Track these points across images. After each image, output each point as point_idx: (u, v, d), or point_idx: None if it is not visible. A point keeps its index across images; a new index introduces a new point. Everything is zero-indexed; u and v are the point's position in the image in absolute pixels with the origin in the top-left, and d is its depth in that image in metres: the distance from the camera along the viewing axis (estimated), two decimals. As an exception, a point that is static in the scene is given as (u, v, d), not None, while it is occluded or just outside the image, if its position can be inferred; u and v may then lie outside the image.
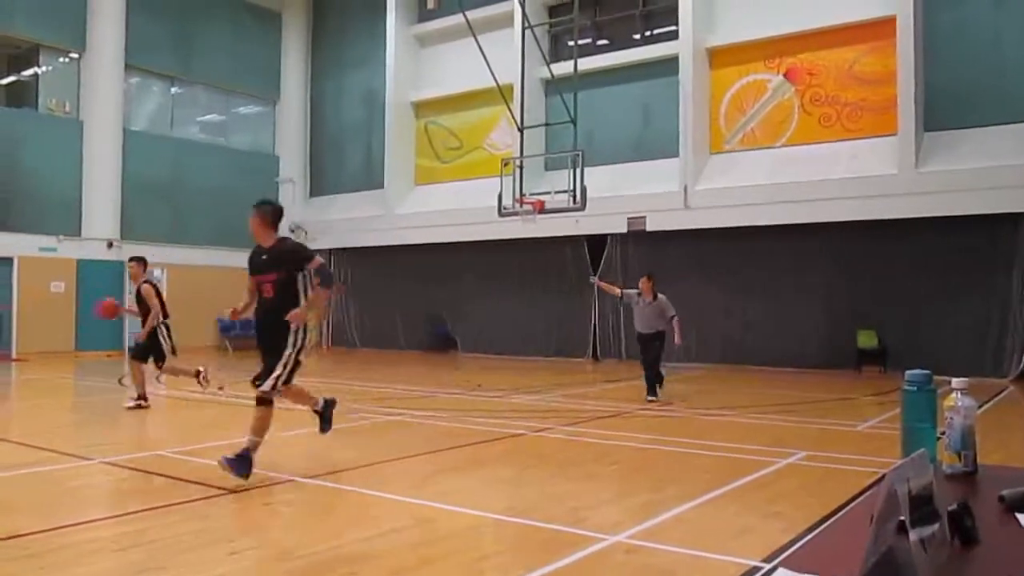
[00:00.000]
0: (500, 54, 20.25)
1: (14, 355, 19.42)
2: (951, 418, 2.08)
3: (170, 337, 10.86)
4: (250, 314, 6.84)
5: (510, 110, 19.45)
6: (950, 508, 1.49)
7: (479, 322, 22.05)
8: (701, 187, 18.08)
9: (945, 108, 16.07)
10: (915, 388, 2.16)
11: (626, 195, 18.76)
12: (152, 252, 21.98)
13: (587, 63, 19.63)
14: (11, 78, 22.40)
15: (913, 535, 1.27)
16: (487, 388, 13.45)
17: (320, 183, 26.15)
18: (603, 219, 18.58)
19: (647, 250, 18.77)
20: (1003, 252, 15.51)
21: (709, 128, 18.75)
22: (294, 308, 6.22)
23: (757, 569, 4.10)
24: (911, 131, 15.85)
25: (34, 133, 20.57)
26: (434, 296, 22.89)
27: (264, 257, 6.48)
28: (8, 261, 19.65)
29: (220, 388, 12.71)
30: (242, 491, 5.77)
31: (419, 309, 23.22)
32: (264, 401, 6.29)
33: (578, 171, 16.48)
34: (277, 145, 25.97)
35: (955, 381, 2.10)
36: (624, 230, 18.79)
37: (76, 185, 20.98)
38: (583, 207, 16.49)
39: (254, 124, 26.13)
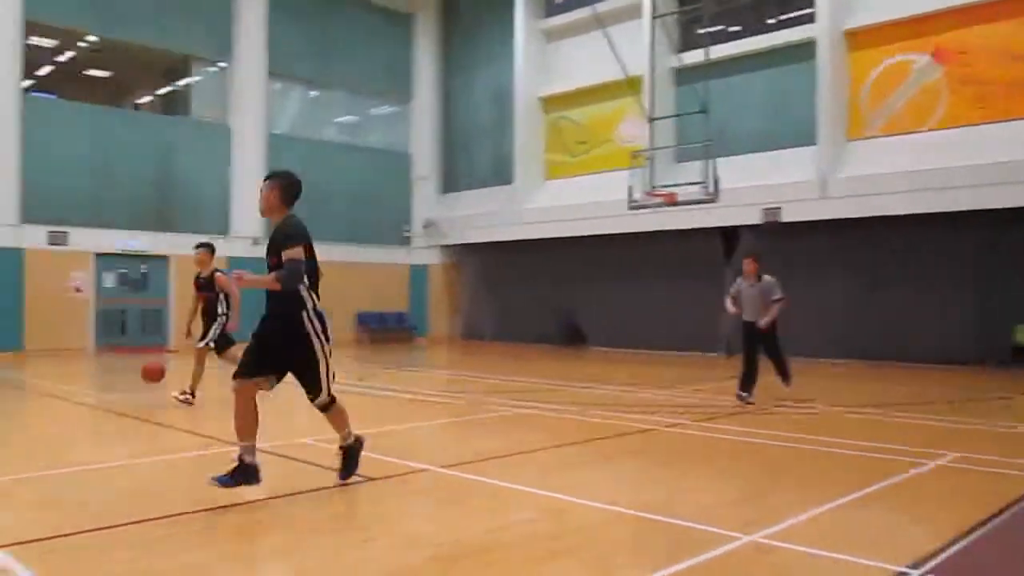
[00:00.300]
0: (628, 45, 20.05)
1: (171, 347, 20.82)
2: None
3: (224, 330, 10.56)
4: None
5: (639, 102, 19.23)
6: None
7: (609, 316, 21.94)
8: (840, 175, 17.31)
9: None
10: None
11: (760, 185, 18.19)
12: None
13: (718, 51, 19.17)
14: (167, 89, 23.94)
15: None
16: (618, 382, 13.37)
17: (452, 180, 26.66)
18: (736, 210, 18.09)
19: (783, 241, 18.14)
20: None
21: (848, 114, 17.92)
22: (296, 306, 5.48)
23: (903, 575, 3.90)
24: (1077, 110, 14.67)
25: (187, 139, 21.91)
26: (564, 290, 22.95)
27: (269, 240, 5.70)
28: (164, 259, 21.05)
29: (360, 379, 13.14)
30: (378, 479, 5.96)
31: (549, 303, 23.32)
32: (328, 407, 5.78)
33: (710, 162, 16.14)
34: (410, 143, 26.64)
35: None
36: (758, 221, 18.23)
37: (225, 187, 22.22)
38: (716, 198, 16.14)
39: (388, 124, 26.89)
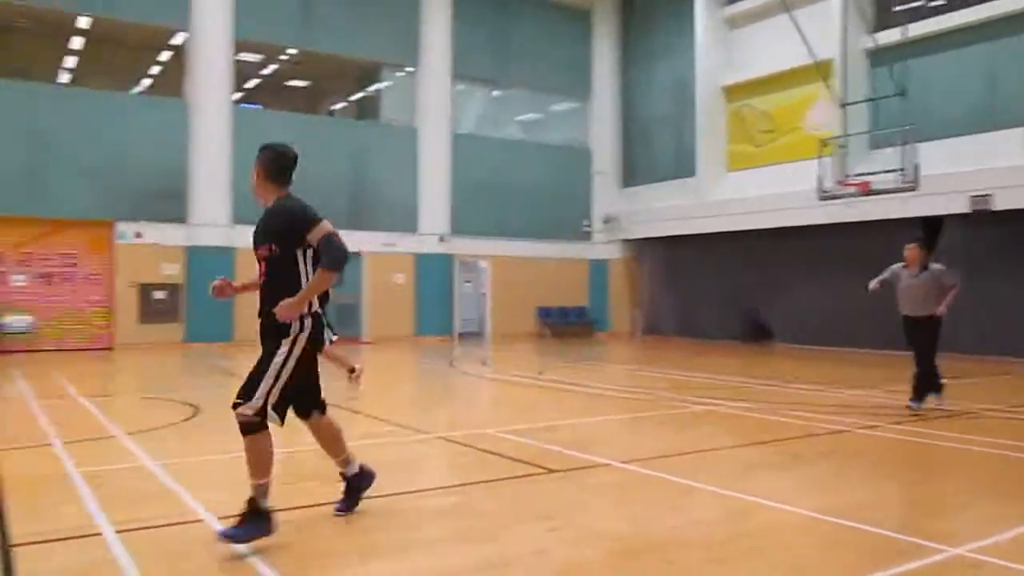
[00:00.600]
0: (817, 28, 19.16)
1: (365, 339, 22.01)
2: None
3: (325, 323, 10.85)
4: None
5: (829, 87, 18.32)
6: None
7: (797, 312, 21.04)
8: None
9: None
10: None
11: (967, 171, 16.80)
12: (478, 246, 23.89)
13: (918, 28, 17.90)
14: (359, 95, 25.27)
15: None
16: (806, 381, 12.82)
17: (632, 174, 26.48)
18: (939, 199, 16.79)
19: (995, 232, 16.69)
20: None
21: (1072, 89, 16.23)
22: (290, 297, 4.45)
23: None
24: None
25: (377, 142, 23.05)
26: (749, 285, 22.24)
27: (258, 224, 4.76)
28: (358, 256, 22.25)
29: (540, 372, 13.32)
30: (559, 472, 6.03)
31: (733, 298, 22.68)
32: (249, 427, 4.34)
33: (909, 147, 15.13)
34: (590, 138, 26.70)
35: None
36: (966, 210, 16.84)
37: (412, 187, 23.18)
38: (915, 186, 15.11)
39: (568, 120, 27.09)
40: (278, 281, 4.54)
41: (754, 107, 22.53)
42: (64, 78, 22.66)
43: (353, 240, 22.67)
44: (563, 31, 25.92)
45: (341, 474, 4.91)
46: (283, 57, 23.12)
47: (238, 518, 4.27)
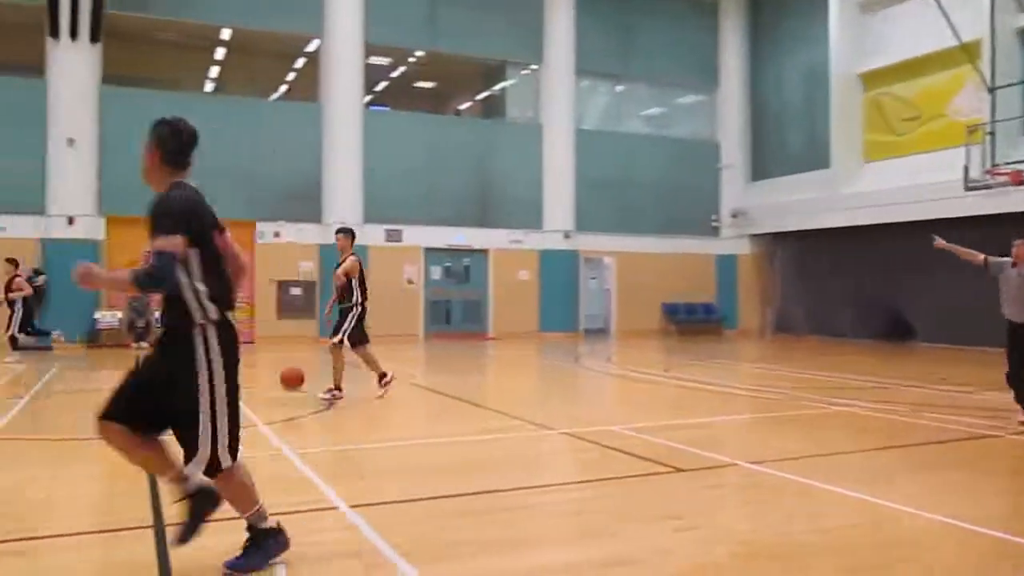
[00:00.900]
0: (961, 9, 18.06)
1: (490, 335, 22.32)
2: None
3: (361, 323, 9.84)
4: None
5: (978, 70, 17.26)
6: None
7: (941, 309, 19.89)
8: None
9: None
10: None
11: None
12: (602, 242, 23.81)
13: (1079, 3, 16.62)
14: (484, 93, 25.61)
15: None
16: (952, 382, 12.14)
17: (761, 167, 25.72)
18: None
19: None
20: None
21: None
22: (181, 319, 3.70)
23: None
24: None
25: (502, 140, 23.29)
26: (886, 281, 21.19)
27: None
28: (484, 253, 22.59)
29: (666, 370, 13.17)
30: (687, 471, 5.94)
31: (871, 295, 21.68)
32: (212, 474, 3.77)
33: (1067, 132, 14.07)
34: (717, 131, 26.12)
35: None
36: None
37: (537, 183, 23.30)
38: (1074, 174, 14.05)
39: (694, 113, 26.59)
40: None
41: (894, 94, 21.44)
42: (209, 87, 23.99)
43: (480, 238, 23.15)
44: (688, 23, 25.45)
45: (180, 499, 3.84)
46: (411, 59, 23.69)
47: (243, 547, 3.88)
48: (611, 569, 3.93)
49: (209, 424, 3.65)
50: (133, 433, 3.66)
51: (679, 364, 15.04)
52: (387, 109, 23.85)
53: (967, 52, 17.57)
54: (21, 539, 4.41)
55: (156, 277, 3.62)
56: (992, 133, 16.56)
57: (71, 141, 18.45)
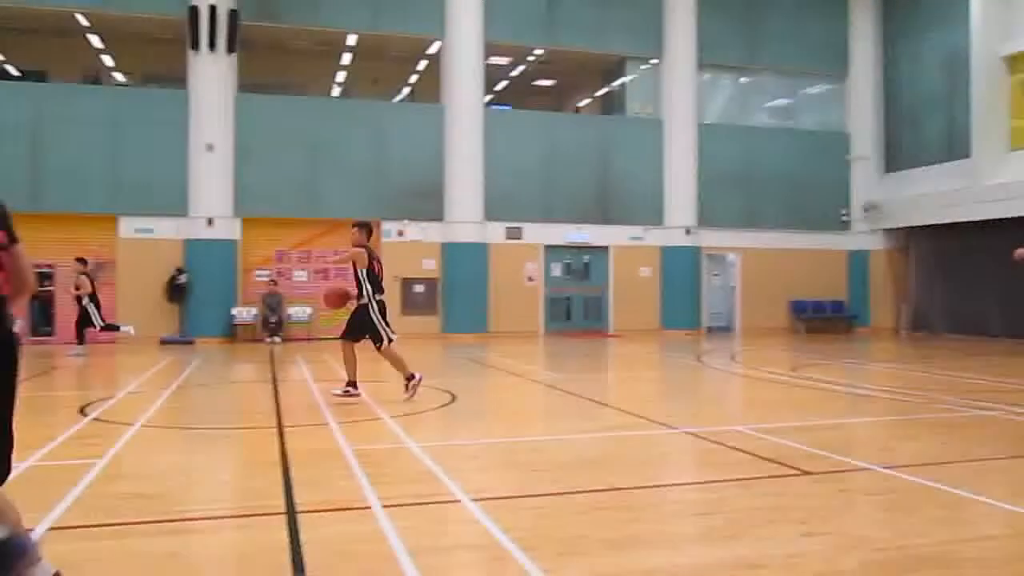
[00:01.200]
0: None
1: (610, 332, 22.21)
2: None
3: (384, 315, 9.35)
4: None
5: None
6: None
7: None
8: None
9: None
10: None
11: None
12: (725, 237, 23.30)
13: None
14: (604, 90, 25.46)
15: None
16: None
17: (895, 158, 24.54)
18: None
19: None
20: None
21: None
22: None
23: None
24: None
25: (622, 136, 23.11)
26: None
27: None
28: (604, 250, 22.49)
29: (793, 369, 12.76)
30: (815, 474, 5.73)
31: (1018, 292, 20.33)
32: None
33: None
34: (847, 122, 25.10)
35: None
36: None
37: (658, 179, 23.01)
38: None
39: (822, 103, 25.66)
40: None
41: (1044, 77, 20.02)
42: (335, 91, 24.83)
43: (599, 234, 23.21)
44: (817, 9, 24.55)
45: None
46: (530, 57, 23.80)
47: None
48: (738, 572, 3.83)
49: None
50: None
51: (807, 363, 14.54)
52: (507, 108, 24.09)
53: None
54: (171, 520, 4.70)
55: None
56: None
57: (210, 147, 19.49)
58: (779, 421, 8.17)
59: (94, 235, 19.24)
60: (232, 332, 19.49)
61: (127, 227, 19.45)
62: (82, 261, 15.98)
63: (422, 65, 23.65)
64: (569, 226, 22.16)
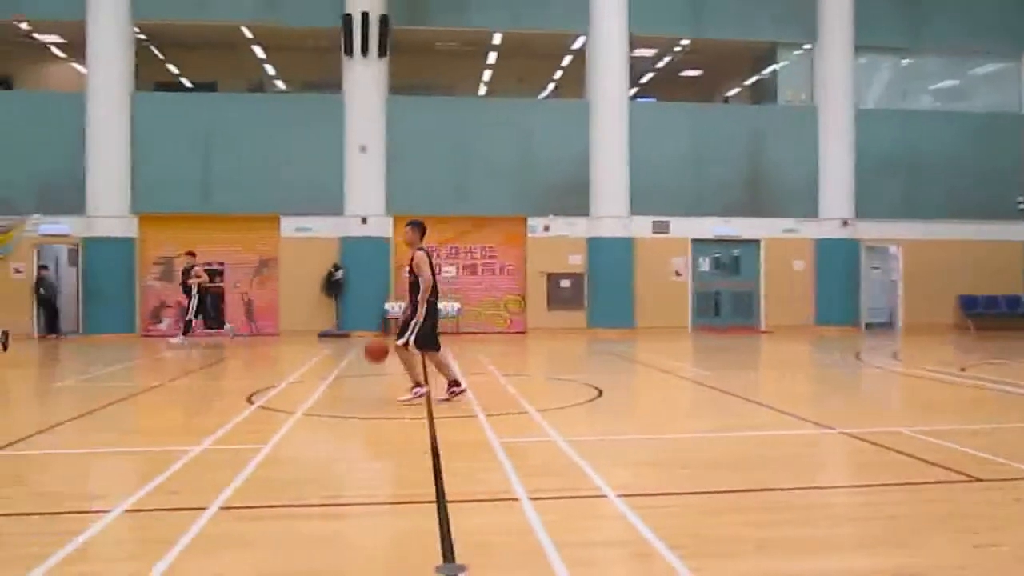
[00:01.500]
0: None
1: (762, 328, 21.54)
2: None
3: (435, 323, 8.90)
4: None
5: None
6: None
7: None
8: None
9: None
10: None
11: None
12: (885, 229, 22.10)
13: None
14: (754, 78, 24.68)
15: None
16: None
17: (1080, 139, 22.54)
18: None
19: None
20: None
21: None
22: None
23: None
24: None
25: (774, 125, 22.30)
26: None
27: None
28: (755, 243, 21.82)
29: (962, 369, 12.01)
30: (987, 481, 5.36)
31: None
32: None
33: None
34: (1022, 103, 23.23)
35: None
36: None
37: (812, 169, 22.07)
38: None
39: (994, 83, 23.84)
40: None
41: None
42: (482, 90, 25.25)
43: (750, 228, 22.48)
44: (991, -17, 22.84)
45: None
46: (675, 49, 23.37)
47: None
48: (898, 581, 3.64)
49: None
50: None
51: (977, 363, 13.59)
52: (652, 101, 23.72)
53: None
54: (331, 504, 4.96)
55: None
56: None
57: (363, 148, 20.28)
58: (946, 424, 7.68)
59: (259, 234, 20.46)
60: (385, 326, 20.21)
61: (288, 226, 20.52)
62: (192, 254, 17.18)
63: (567, 61, 23.66)
64: (718, 219, 21.62)
